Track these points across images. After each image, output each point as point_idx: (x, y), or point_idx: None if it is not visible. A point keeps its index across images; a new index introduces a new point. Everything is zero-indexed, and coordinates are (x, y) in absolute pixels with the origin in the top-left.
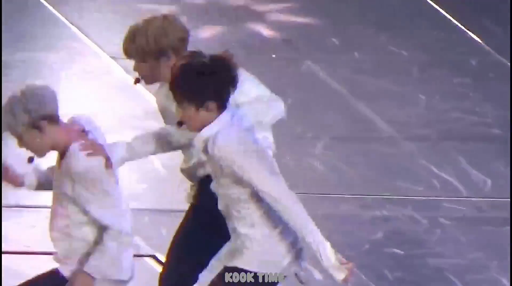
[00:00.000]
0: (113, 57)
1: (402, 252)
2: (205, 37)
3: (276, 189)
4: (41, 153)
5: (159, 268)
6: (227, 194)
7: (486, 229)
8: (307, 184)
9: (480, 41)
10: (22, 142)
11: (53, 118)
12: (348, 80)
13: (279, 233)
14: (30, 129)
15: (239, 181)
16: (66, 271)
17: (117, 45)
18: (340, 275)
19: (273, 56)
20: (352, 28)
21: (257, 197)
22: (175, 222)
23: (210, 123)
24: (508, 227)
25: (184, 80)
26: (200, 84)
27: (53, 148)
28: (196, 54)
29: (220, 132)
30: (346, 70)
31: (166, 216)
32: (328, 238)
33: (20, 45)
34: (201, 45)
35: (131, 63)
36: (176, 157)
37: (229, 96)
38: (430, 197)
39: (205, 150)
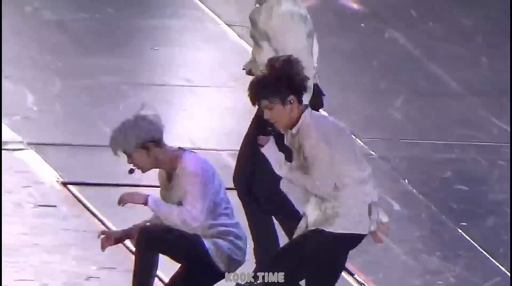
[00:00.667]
0: (229, 25)
1: (467, 188)
2: None
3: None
4: (144, 170)
5: None
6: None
7: None
8: (388, 131)
9: None
10: (130, 159)
11: (159, 142)
12: (424, 45)
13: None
14: (139, 149)
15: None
16: None
17: (233, 14)
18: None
19: (362, 25)
20: (428, 2)
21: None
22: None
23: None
24: None
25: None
26: (283, 82)
27: (157, 166)
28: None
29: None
30: (422, 37)
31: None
32: (406, 176)
33: (149, 12)
34: None
35: (245, 30)
36: None
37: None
38: (490, 142)
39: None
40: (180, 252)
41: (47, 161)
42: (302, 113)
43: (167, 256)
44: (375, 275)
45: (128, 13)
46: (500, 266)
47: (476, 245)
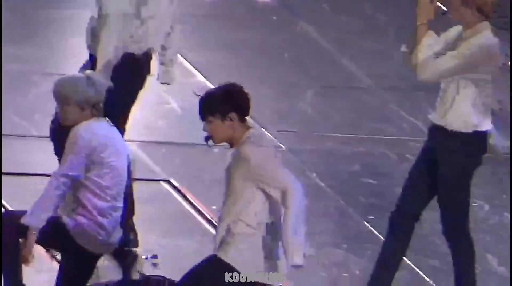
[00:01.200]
0: None
1: (375, 182)
2: None
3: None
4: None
5: (172, 192)
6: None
7: None
8: (299, 124)
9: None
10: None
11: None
12: (336, 39)
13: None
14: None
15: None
16: None
17: None
18: (298, 261)
19: (274, 18)
20: None
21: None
22: (187, 153)
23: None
24: None
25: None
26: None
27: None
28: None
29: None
30: (334, 31)
31: (180, 148)
32: (314, 169)
33: (60, 2)
34: (208, 5)
35: None
36: (188, 99)
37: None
38: (400, 137)
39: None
40: (44, 236)
41: None
42: (245, 132)
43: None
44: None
45: (39, 3)
46: (406, 260)
47: (383, 238)
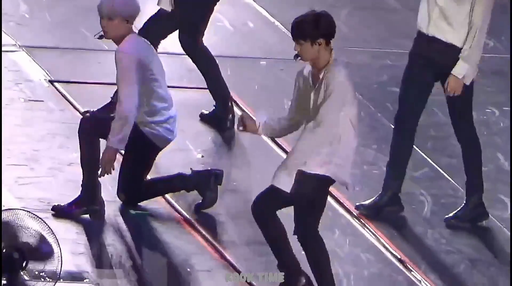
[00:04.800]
0: None
1: None
2: None
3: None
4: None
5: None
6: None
7: None
8: (333, 41)
9: None
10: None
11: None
12: None
13: None
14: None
15: None
16: None
17: None
18: None
19: None
20: None
21: None
22: (236, 65)
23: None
24: (479, 74)
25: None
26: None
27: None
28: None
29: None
30: None
31: (227, 61)
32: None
33: None
34: None
35: None
36: (240, 17)
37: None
38: None
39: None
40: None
41: (37, 61)
42: (331, 55)
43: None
44: None
45: None
46: (428, 159)
47: None
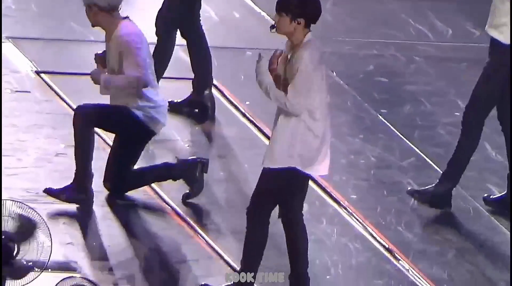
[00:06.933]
0: None
1: (387, 80)
2: None
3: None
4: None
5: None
6: None
7: (447, 65)
8: (319, 31)
9: None
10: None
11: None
12: None
13: None
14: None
15: None
16: None
17: None
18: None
19: None
20: None
21: None
22: (221, 56)
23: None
24: (465, 64)
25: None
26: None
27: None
28: None
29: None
30: None
31: (215, 51)
32: (334, 69)
33: None
34: None
35: None
36: (226, 7)
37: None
38: (408, 41)
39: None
40: (112, 123)
41: (23, 52)
42: (304, 35)
43: (102, 129)
44: None
45: None
46: (415, 148)
47: (394, 129)
